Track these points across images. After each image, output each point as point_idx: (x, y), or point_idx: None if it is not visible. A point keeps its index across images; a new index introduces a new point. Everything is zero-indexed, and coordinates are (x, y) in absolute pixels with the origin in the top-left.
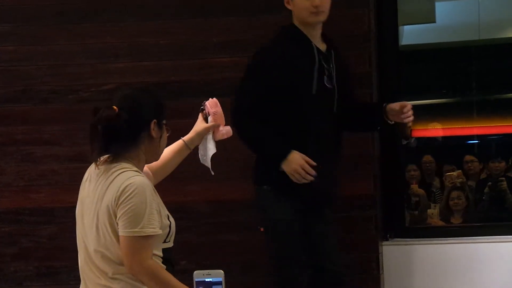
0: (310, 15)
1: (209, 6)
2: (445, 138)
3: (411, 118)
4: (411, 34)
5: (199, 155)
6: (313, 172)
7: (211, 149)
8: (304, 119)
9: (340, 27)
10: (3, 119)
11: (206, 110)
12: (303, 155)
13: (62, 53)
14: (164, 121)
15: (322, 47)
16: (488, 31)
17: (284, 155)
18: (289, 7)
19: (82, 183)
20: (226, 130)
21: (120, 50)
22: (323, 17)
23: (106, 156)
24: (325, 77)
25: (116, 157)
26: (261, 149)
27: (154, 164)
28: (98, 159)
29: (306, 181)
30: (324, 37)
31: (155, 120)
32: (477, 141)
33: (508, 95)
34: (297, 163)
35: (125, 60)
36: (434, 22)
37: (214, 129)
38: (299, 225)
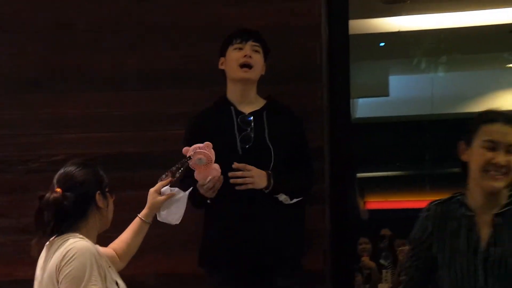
0: (238, 69)
1: (163, 78)
2: (397, 210)
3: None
4: (365, 107)
5: (160, 213)
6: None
7: (182, 208)
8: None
9: (292, 101)
10: None
11: (200, 157)
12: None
13: (13, 123)
14: (107, 189)
15: (250, 109)
16: (441, 106)
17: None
18: (222, 67)
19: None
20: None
21: (72, 121)
22: (251, 75)
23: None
24: (240, 138)
25: (64, 231)
26: (195, 198)
27: (119, 248)
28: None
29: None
30: (268, 99)
31: (99, 191)
32: None
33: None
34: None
35: (77, 131)
36: (388, 95)
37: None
38: None
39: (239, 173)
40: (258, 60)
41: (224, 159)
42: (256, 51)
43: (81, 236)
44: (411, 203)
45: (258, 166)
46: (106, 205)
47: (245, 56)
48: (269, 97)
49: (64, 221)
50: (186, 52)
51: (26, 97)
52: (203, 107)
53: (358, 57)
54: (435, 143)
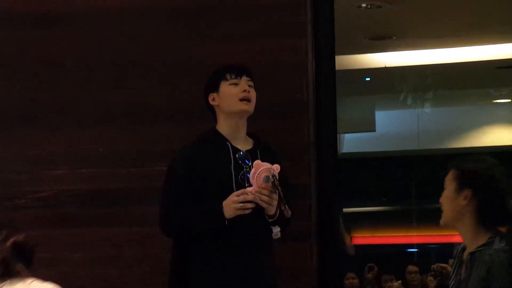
0: (238, 103)
1: (148, 115)
2: (384, 246)
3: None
4: (351, 142)
5: None
6: (249, 197)
7: None
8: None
9: (278, 138)
10: None
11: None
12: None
13: None
14: None
15: (244, 146)
16: (427, 141)
17: (219, 209)
18: (214, 103)
19: None
20: None
21: (57, 157)
22: (251, 108)
23: None
24: (240, 176)
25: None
26: (197, 224)
27: None
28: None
29: (251, 206)
30: (253, 137)
31: None
32: (416, 250)
33: None
34: (230, 203)
35: (63, 167)
36: (374, 131)
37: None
38: None
39: (266, 192)
40: (253, 95)
41: (218, 196)
42: (250, 86)
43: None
44: (398, 238)
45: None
46: None
47: (244, 91)
48: (254, 134)
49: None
50: (172, 89)
51: (12, 134)
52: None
53: (344, 93)
54: (421, 179)
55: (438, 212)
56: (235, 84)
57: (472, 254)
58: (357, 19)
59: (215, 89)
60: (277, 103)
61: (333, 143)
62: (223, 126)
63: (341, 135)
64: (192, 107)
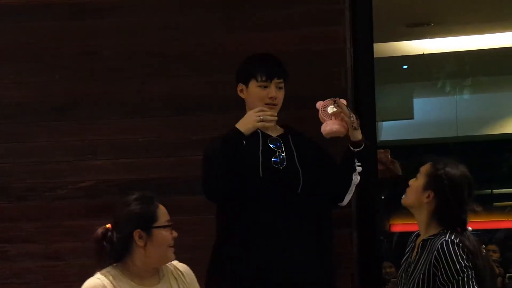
0: (264, 106)
1: (186, 104)
2: None
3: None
4: (389, 129)
5: None
6: (268, 112)
7: None
8: (254, 199)
9: (317, 127)
10: None
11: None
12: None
13: (39, 150)
14: (155, 224)
15: (275, 133)
16: (466, 128)
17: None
18: (241, 95)
19: None
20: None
21: (98, 147)
22: (275, 111)
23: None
24: (273, 160)
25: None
26: (220, 152)
27: None
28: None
29: (271, 118)
30: (285, 127)
31: (138, 230)
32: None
33: (485, 191)
34: (251, 114)
35: (103, 157)
36: (413, 118)
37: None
38: None
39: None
40: (281, 97)
41: (246, 180)
42: (280, 87)
43: (99, 274)
44: None
45: (287, 188)
46: (144, 244)
47: (271, 97)
48: (287, 125)
49: (108, 253)
50: (209, 78)
51: (52, 125)
52: (224, 133)
53: (382, 80)
54: None
55: (476, 199)
56: (265, 87)
57: (424, 240)
58: (395, 6)
59: (245, 82)
60: (315, 91)
61: (372, 130)
62: None
63: (379, 123)
64: (229, 96)
